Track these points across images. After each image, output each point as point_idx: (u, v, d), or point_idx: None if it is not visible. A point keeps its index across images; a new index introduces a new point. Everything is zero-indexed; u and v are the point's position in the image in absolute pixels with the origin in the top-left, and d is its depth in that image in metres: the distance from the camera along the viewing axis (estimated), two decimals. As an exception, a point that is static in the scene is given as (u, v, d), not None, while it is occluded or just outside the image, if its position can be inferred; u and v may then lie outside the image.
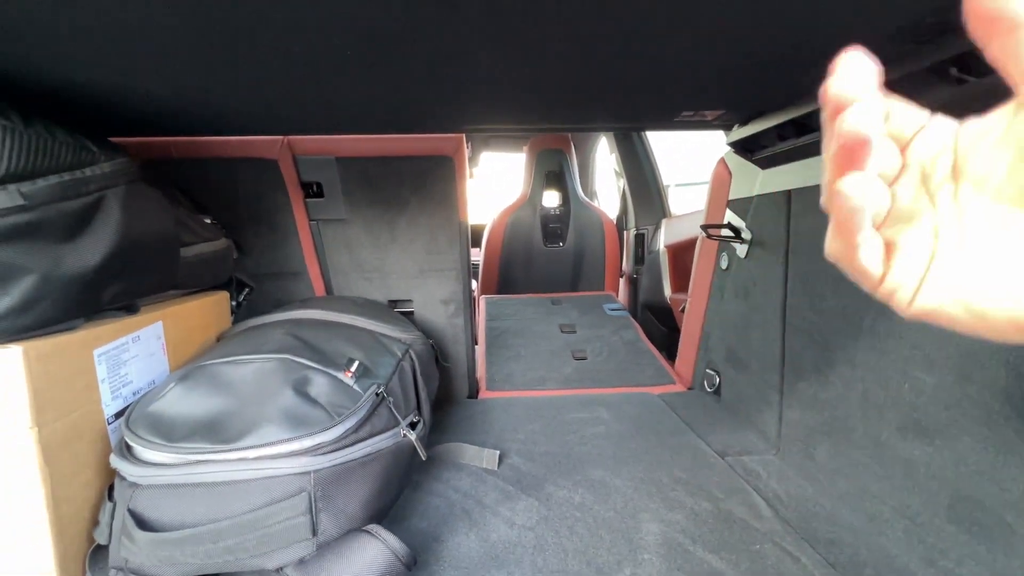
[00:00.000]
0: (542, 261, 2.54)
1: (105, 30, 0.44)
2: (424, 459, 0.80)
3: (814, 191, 0.89)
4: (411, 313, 1.22)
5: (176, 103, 0.73)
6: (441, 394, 1.19)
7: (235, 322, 1.02)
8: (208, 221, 0.92)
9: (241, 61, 0.56)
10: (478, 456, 0.96)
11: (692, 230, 2.08)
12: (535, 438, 1.07)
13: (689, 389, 1.37)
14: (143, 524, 0.57)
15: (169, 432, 0.61)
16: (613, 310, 2.01)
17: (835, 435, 0.82)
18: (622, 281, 2.62)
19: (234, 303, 1.03)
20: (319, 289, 1.16)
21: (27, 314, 0.55)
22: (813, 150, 0.85)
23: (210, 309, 0.94)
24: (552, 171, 2.53)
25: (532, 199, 2.51)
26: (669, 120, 0.92)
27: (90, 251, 0.61)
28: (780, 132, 0.88)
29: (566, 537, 0.73)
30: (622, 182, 2.59)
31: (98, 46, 0.48)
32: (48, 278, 0.56)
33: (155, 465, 0.60)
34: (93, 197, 0.61)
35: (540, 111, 0.87)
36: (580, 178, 2.69)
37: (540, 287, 2.51)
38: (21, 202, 0.52)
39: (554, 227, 2.52)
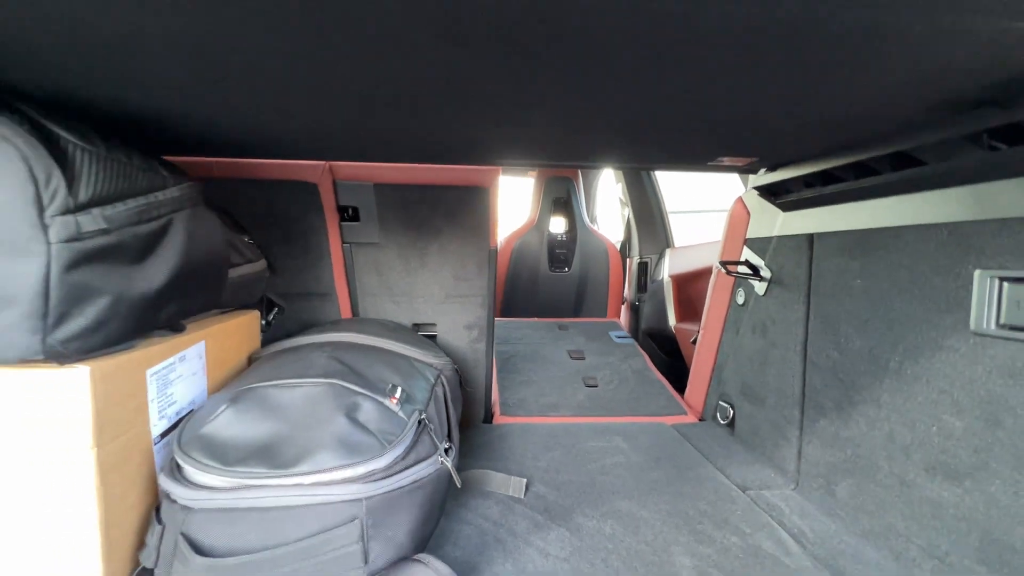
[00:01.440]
0: (547, 285, 2.57)
1: (172, 57, 0.46)
2: (459, 487, 0.80)
3: (837, 235, 0.93)
4: (434, 336, 1.23)
5: (227, 127, 0.75)
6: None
7: (263, 341, 1.02)
8: (248, 241, 0.93)
9: (299, 95, 0.58)
10: (505, 484, 0.96)
11: (697, 261, 2.13)
12: (556, 466, 1.07)
13: (701, 420, 1.39)
14: (199, 549, 0.57)
15: (223, 455, 0.62)
16: (620, 338, 2.04)
17: (858, 473, 0.85)
18: (623, 308, 2.66)
19: (263, 322, 1.03)
20: (346, 311, 1.17)
21: (96, 335, 0.56)
22: (839, 198, 0.90)
23: (243, 328, 0.95)
24: (560, 198, 2.58)
25: (539, 224, 2.55)
26: (702, 164, 0.97)
27: (156, 273, 0.62)
28: (807, 180, 0.93)
29: (601, 569, 0.74)
30: (627, 211, 2.65)
31: (162, 72, 0.50)
32: (119, 299, 0.57)
33: (208, 488, 0.60)
34: (163, 221, 0.62)
35: (578, 150, 0.91)
36: (585, 204, 2.75)
37: (544, 311, 2.53)
38: (103, 226, 0.54)
39: (560, 252, 2.56)
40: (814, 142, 0.79)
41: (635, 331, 2.51)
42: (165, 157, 0.77)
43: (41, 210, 0.49)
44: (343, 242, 1.13)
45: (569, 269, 2.57)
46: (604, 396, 1.53)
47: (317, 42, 0.43)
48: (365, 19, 0.39)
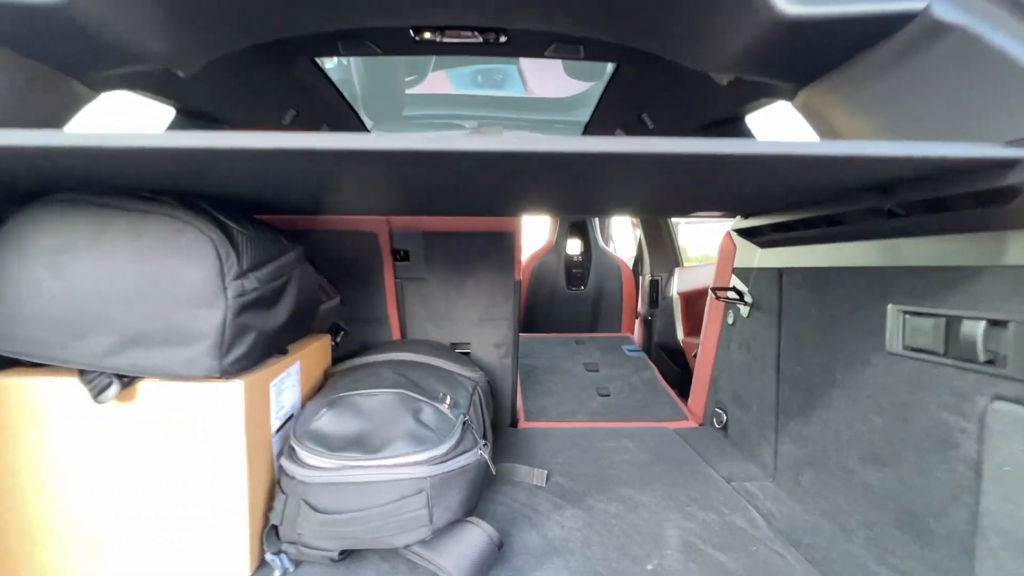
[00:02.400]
0: (565, 302, 2.79)
1: (308, 179, 0.71)
2: (494, 474, 1.03)
3: (799, 271, 1.14)
4: (468, 353, 1.47)
5: (324, 204, 1.00)
6: (491, 422, 1.42)
7: (333, 359, 1.27)
8: (326, 280, 1.19)
9: (382, 191, 0.83)
10: (529, 475, 1.19)
11: (702, 280, 2.32)
12: (573, 463, 1.29)
13: (700, 425, 1.59)
14: (316, 509, 0.81)
15: (328, 444, 0.86)
16: (632, 351, 2.24)
17: (816, 465, 1.05)
18: (637, 322, 2.86)
19: (333, 343, 1.28)
20: (396, 333, 1.42)
21: (247, 359, 0.81)
22: (799, 241, 1.11)
23: (320, 349, 1.20)
24: (576, 222, 2.81)
25: (557, 246, 2.78)
26: (688, 213, 1.19)
27: (281, 314, 0.87)
28: (774, 226, 1.14)
29: (606, 536, 0.96)
30: (638, 232, 2.86)
31: (298, 184, 0.75)
32: (261, 334, 0.82)
33: (319, 468, 0.84)
34: (286, 277, 0.88)
35: (588, 208, 1.14)
36: (599, 227, 2.96)
37: (563, 326, 2.75)
38: (256, 285, 0.79)
39: (576, 272, 2.79)
40: (774, 203, 1.00)
41: (648, 344, 2.70)
42: (263, 216, 1.04)
43: (223, 277, 0.75)
44: (396, 278, 1.38)
45: (585, 287, 2.79)
46: (615, 404, 1.74)
47: (397, 173, 0.67)
48: (435, 167, 0.63)
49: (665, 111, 1.86)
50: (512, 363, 1.49)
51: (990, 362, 0.69)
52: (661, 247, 2.70)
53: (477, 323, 1.44)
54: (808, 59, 0.81)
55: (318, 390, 1.10)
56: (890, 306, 0.86)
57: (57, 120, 0.92)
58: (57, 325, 0.73)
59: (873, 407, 0.89)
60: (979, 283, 0.71)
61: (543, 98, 2.01)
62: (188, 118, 1.61)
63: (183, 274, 0.73)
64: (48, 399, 0.78)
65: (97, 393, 0.75)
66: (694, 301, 2.29)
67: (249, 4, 0.88)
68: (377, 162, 0.62)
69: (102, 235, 0.73)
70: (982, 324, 0.69)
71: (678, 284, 2.46)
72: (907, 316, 0.82)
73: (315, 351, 1.15)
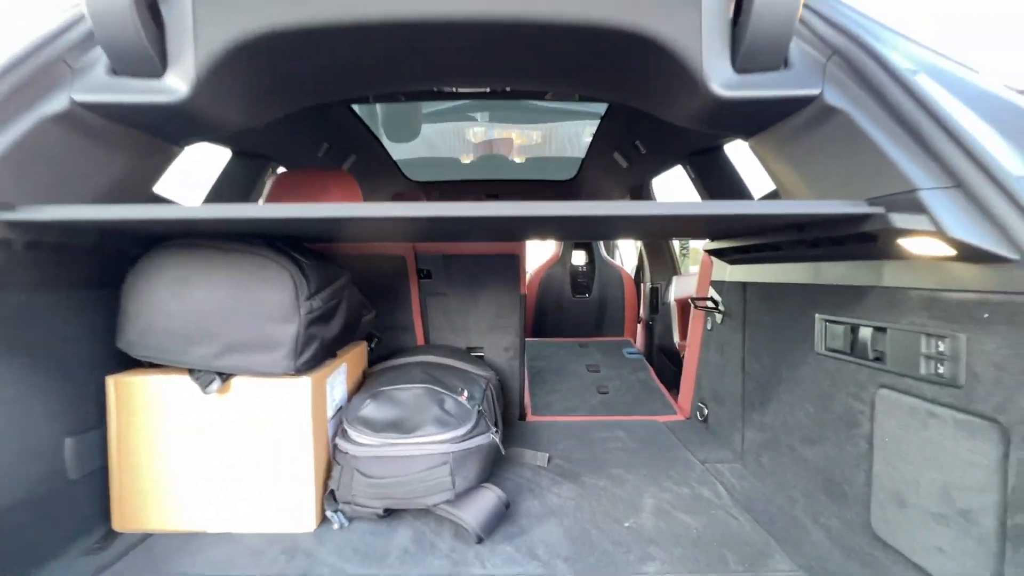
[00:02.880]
0: (571, 309, 3.01)
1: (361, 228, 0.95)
2: (504, 455, 1.26)
3: (758, 285, 1.35)
4: (482, 356, 1.70)
5: (359, 236, 1.25)
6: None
7: (370, 362, 1.52)
8: (365, 298, 1.44)
9: (409, 230, 1.07)
10: (533, 457, 1.42)
11: (695, 288, 2.52)
12: (571, 449, 1.52)
13: (687, 419, 1.80)
14: (364, 475, 1.06)
15: (373, 426, 1.10)
16: (631, 354, 2.46)
17: (772, 447, 1.26)
18: (639, 327, 3.06)
19: (369, 348, 1.53)
20: (420, 339, 1.67)
21: (312, 362, 1.06)
22: (756, 260, 1.32)
23: (360, 353, 1.45)
24: (580, 236, 3.03)
25: (563, 258, 3.01)
26: (668, 238, 1.41)
27: (335, 327, 1.12)
28: (735, 248, 1.36)
29: (594, 504, 1.18)
30: (639, 242, 3.07)
31: (348, 232, 0.99)
32: (322, 342, 1.07)
33: (364, 445, 1.08)
34: (339, 297, 1.13)
35: (585, 235, 1.38)
36: (602, 240, 3.19)
37: (569, 331, 2.97)
38: (320, 305, 1.04)
39: (581, 281, 3.01)
40: (731, 231, 1.23)
41: (650, 346, 2.90)
42: (317, 245, 1.29)
43: (297, 300, 1.00)
44: (420, 293, 1.63)
45: (589, 295, 3.01)
46: (613, 401, 1.96)
47: (426, 224, 0.92)
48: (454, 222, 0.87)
49: (654, 141, 2.09)
50: (519, 364, 1.73)
51: (877, 359, 0.90)
52: (660, 257, 2.91)
53: (488, 330, 1.68)
54: (743, 122, 1.03)
55: (359, 386, 1.35)
56: (816, 315, 1.07)
57: (156, 174, 1.18)
58: (177, 336, 0.99)
59: (807, 397, 1.11)
60: (868, 299, 0.92)
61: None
62: (243, 157, 1.89)
63: (269, 298, 0.99)
64: (165, 391, 1.04)
65: (204, 386, 1.01)
66: (687, 307, 2.50)
67: (315, 85, 1.14)
68: (411, 222, 0.87)
69: (209, 270, 0.99)
70: (870, 330, 0.91)
71: (675, 291, 2.66)
72: (827, 324, 1.04)
73: (356, 355, 1.40)
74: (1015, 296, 0.65)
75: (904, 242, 0.78)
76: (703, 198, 2.03)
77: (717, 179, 1.94)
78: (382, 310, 1.60)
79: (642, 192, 2.85)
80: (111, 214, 0.83)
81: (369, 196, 2.83)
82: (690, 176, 2.10)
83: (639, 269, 3.18)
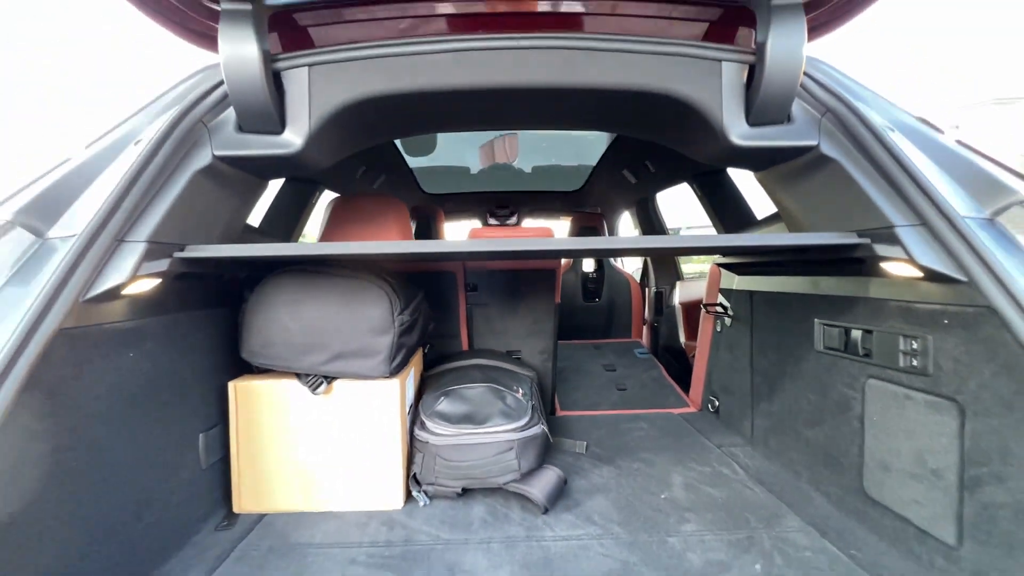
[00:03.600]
0: (582, 313, 3.23)
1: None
2: (551, 443, 1.48)
3: (764, 293, 1.58)
4: (520, 358, 1.92)
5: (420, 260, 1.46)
6: (538, 411, 1.87)
7: (425, 366, 1.72)
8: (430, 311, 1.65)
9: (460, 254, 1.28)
10: (573, 445, 1.64)
11: (698, 292, 2.76)
12: (602, 438, 1.74)
13: (699, 410, 2.03)
14: (445, 460, 1.26)
15: (449, 419, 1.31)
16: (642, 354, 2.69)
17: (778, 431, 1.49)
18: (644, 328, 3.29)
19: (424, 353, 1.74)
20: (465, 345, 1.88)
21: (400, 366, 1.27)
22: (761, 273, 1.56)
23: (418, 358, 1.65)
24: (590, 244, 3.26)
25: (575, 265, 3.23)
26: (678, 254, 1.64)
27: (416, 336, 1.33)
28: (744, 263, 1.59)
29: (632, 481, 1.40)
30: (644, 250, 3.30)
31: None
32: (408, 350, 1.28)
33: (443, 435, 1.29)
34: (418, 312, 1.33)
35: (603, 256, 1.60)
36: None
37: (581, 334, 3.19)
38: (407, 319, 1.25)
39: (591, 287, 3.23)
40: (744, 252, 1.46)
41: (655, 346, 3.13)
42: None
43: (392, 316, 1.20)
44: (467, 303, 1.84)
45: (599, 300, 3.23)
46: (631, 396, 2.19)
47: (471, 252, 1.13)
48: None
49: (664, 162, 2.32)
50: (552, 365, 1.94)
51: (866, 355, 1.13)
52: (664, 264, 3.15)
53: (526, 335, 1.89)
54: (753, 162, 1.26)
55: (418, 386, 1.55)
56: (816, 320, 1.30)
57: (251, 207, 1.37)
58: (293, 347, 1.19)
59: (808, 388, 1.34)
60: (858, 307, 1.15)
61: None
62: (295, 183, 2.09)
63: (370, 314, 1.19)
64: (278, 393, 1.24)
65: (313, 389, 1.21)
66: (692, 310, 2.73)
67: (390, 130, 1.35)
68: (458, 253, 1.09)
69: (319, 291, 1.19)
70: (860, 332, 1.14)
71: (679, 295, 2.89)
72: (824, 327, 1.27)
73: (416, 359, 1.60)
74: (965, 307, 0.88)
75: (885, 265, 1.01)
76: (709, 214, 2.26)
77: (721, 198, 2.18)
78: (435, 319, 1.80)
79: (647, 204, 3.09)
80: (263, 252, 1.03)
81: None
82: (696, 193, 2.33)
83: (644, 275, 3.41)
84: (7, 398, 0.71)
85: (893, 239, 0.95)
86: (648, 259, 3.22)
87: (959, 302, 0.90)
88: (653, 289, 3.17)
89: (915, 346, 1.00)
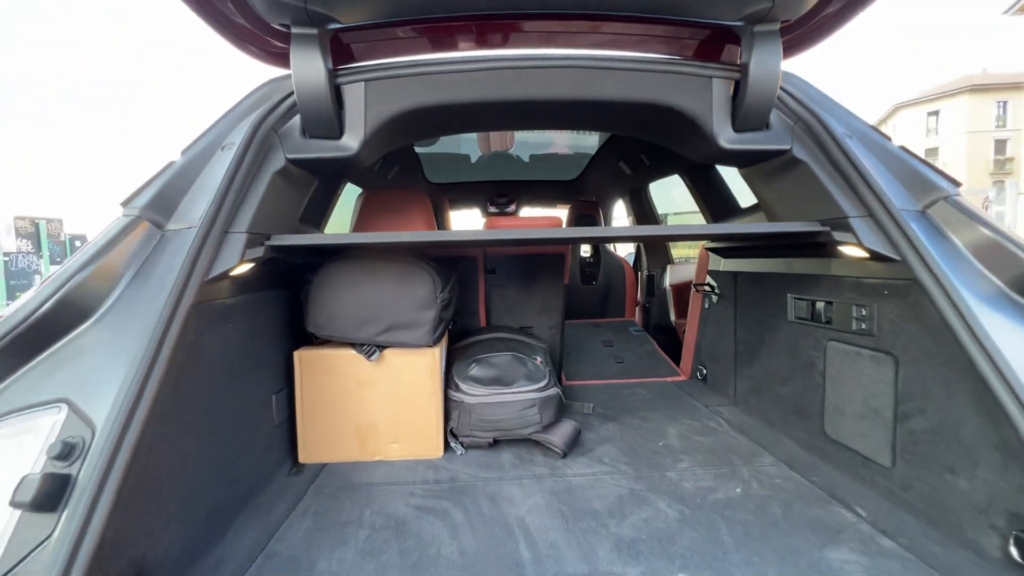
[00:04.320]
0: (581, 294, 3.47)
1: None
2: (564, 403, 1.72)
3: (746, 274, 1.83)
4: (531, 332, 2.15)
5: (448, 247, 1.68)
6: (548, 380, 2.11)
7: (450, 339, 1.94)
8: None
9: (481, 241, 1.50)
10: (582, 407, 1.88)
11: (687, 275, 3.01)
12: (605, 402, 1.99)
13: (688, 379, 2.29)
14: (478, 416, 1.50)
15: (480, 382, 1.54)
16: (635, 331, 2.94)
17: (757, 391, 1.75)
18: (638, 309, 3.55)
19: (448, 328, 1.96)
20: (483, 321, 2.11)
21: (439, 337, 1.49)
22: (743, 256, 1.80)
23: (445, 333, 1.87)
24: (587, 230, 3.48)
25: (573, 251, 3.45)
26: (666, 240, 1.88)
27: (451, 312, 1.55)
28: (728, 248, 1.83)
29: (634, 433, 1.65)
30: (637, 236, 3.54)
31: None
32: (446, 323, 1.50)
33: (477, 395, 1.52)
34: (454, 291, 1.55)
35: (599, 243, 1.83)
36: None
37: (580, 314, 3.43)
38: (446, 296, 1.47)
39: (589, 270, 3.47)
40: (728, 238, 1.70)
41: (647, 325, 3.39)
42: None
43: (435, 294, 1.42)
44: (485, 285, 2.06)
45: (596, 282, 3.47)
46: (628, 367, 2.44)
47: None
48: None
49: (658, 156, 2.54)
50: (560, 339, 2.18)
51: (827, 322, 1.38)
52: (655, 249, 3.39)
53: (538, 313, 2.12)
54: (738, 161, 1.49)
55: (447, 355, 1.78)
56: (788, 295, 1.55)
57: (305, 199, 1.56)
58: (352, 321, 1.40)
59: (782, 352, 1.59)
60: (822, 283, 1.40)
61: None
62: (325, 177, 2.26)
63: (418, 292, 1.41)
64: (339, 360, 1.46)
65: (368, 356, 1.43)
66: (682, 291, 2.99)
67: (425, 132, 1.55)
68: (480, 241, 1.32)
69: (374, 273, 1.41)
70: (823, 303, 1.39)
71: (670, 278, 3.14)
72: (795, 300, 1.52)
73: (446, 335, 1.82)
74: (899, 281, 1.13)
75: (841, 248, 1.25)
76: (698, 203, 2.50)
77: (709, 189, 2.41)
78: (458, 299, 2.02)
79: (640, 194, 3.32)
80: (331, 241, 1.24)
81: None
82: (687, 184, 2.56)
83: (637, 259, 3.65)
84: (164, 360, 0.91)
85: (847, 227, 1.19)
86: (641, 245, 3.46)
87: (895, 277, 1.15)
88: (645, 272, 3.41)
89: (863, 313, 1.25)
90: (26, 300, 0.91)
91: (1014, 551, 0.89)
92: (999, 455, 0.93)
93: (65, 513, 0.73)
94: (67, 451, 0.77)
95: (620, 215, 4.03)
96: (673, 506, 1.19)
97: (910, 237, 1.08)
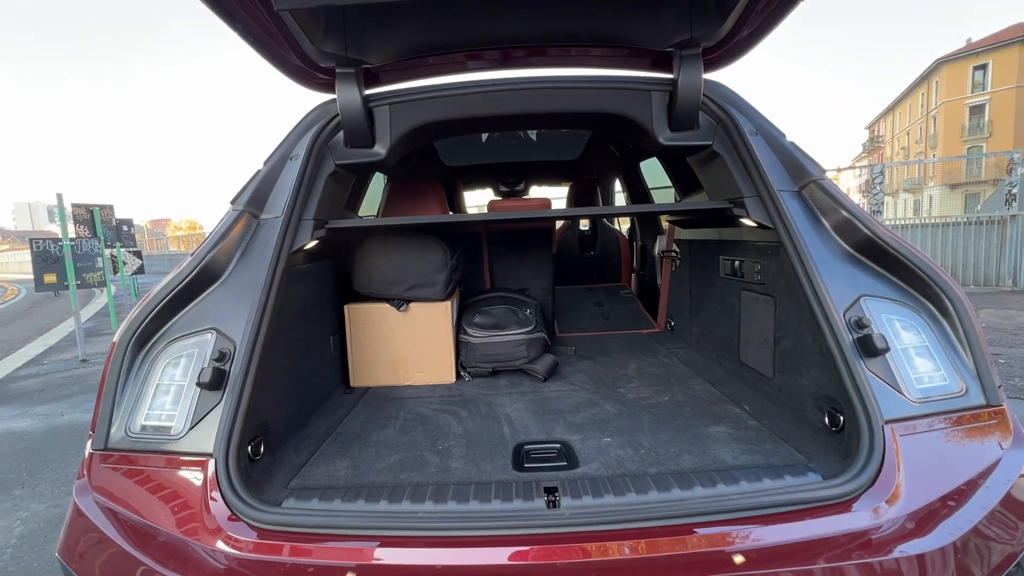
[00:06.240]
0: (580, 263, 3.92)
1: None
2: (550, 345, 2.21)
3: (697, 242, 2.25)
4: (527, 293, 2.63)
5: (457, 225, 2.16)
6: (542, 331, 2.60)
7: (461, 297, 2.44)
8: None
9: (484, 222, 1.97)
10: (566, 349, 2.38)
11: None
12: (587, 347, 2.47)
13: (662, 330, 2.75)
14: (481, 352, 2.00)
15: (482, 327, 2.04)
16: (625, 294, 3.39)
17: (703, 334, 2.20)
18: (633, 276, 3.98)
19: (460, 291, 2.46)
20: (487, 284, 2.60)
21: (450, 293, 1.99)
22: (693, 227, 2.22)
23: (458, 292, 2.37)
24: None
25: (573, 225, 3.89)
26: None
27: (459, 275, 2.05)
28: (683, 220, 2.25)
29: (603, 367, 2.14)
30: (632, 210, 3.93)
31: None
32: (455, 283, 2.00)
33: (480, 337, 2.03)
34: (460, 259, 2.04)
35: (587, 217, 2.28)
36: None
37: (579, 280, 3.88)
38: (455, 263, 1.96)
39: (587, 242, 3.91)
40: (682, 214, 2.12)
41: (641, 290, 3.82)
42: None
43: (446, 260, 1.92)
44: (488, 255, 2.55)
45: (594, 252, 3.91)
46: (612, 322, 2.91)
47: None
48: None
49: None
50: (551, 299, 2.66)
51: (741, 276, 1.82)
52: (648, 222, 3.79)
53: (531, 277, 2.61)
54: (677, 154, 1.90)
55: (459, 309, 2.28)
56: (720, 257, 1.98)
57: (347, 191, 2.06)
58: (386, 282, 1.92)
59: (716, 302, 2.03)
60: (738, 247, 1.83)
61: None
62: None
63: (433, 260, 1.91)
64: (377, 311, 1.98)
65: (398, 307, 1.94)
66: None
67: (434, 136, 2.02)
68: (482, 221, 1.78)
69: (400, 246, 1.91)
70: (739, 262, 1.82)
71: (659, 247, 3.56)
72: (724, 260, 1.95)
73: (457, 293, 2.33)
74: (773, 243, 1.56)
75: (742, 220, 1.67)
76: (671, 181, 2.90)
77: (677, 171, 2.80)
78: (466, 267, 2.52)
79: (633, 172, 3.71)
80: (369, 223, 1.74)
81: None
82: (663, 165, 2.96)
83: (632, 231, 4.06)
84: (270, 305, 1.42)
85: (743, 204, 1.62)
86: (635, 218, 3.87)
87: (773, 240, 1.58)
88: (639, 243, 3.83)
89: (758, 267, 1.68)
90: (179, 271, 1.44)
91: (826, 420, 1.35)
92: (819, 359, 1.37)
93: (226, 391, 1.26)
94: (222, 357, 1.30)
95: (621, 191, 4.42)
96: (615, 407, 1.68)
97: (780, 211, 1.51)
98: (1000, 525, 1.01)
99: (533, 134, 3.62)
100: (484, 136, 3.53)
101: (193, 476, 1.14)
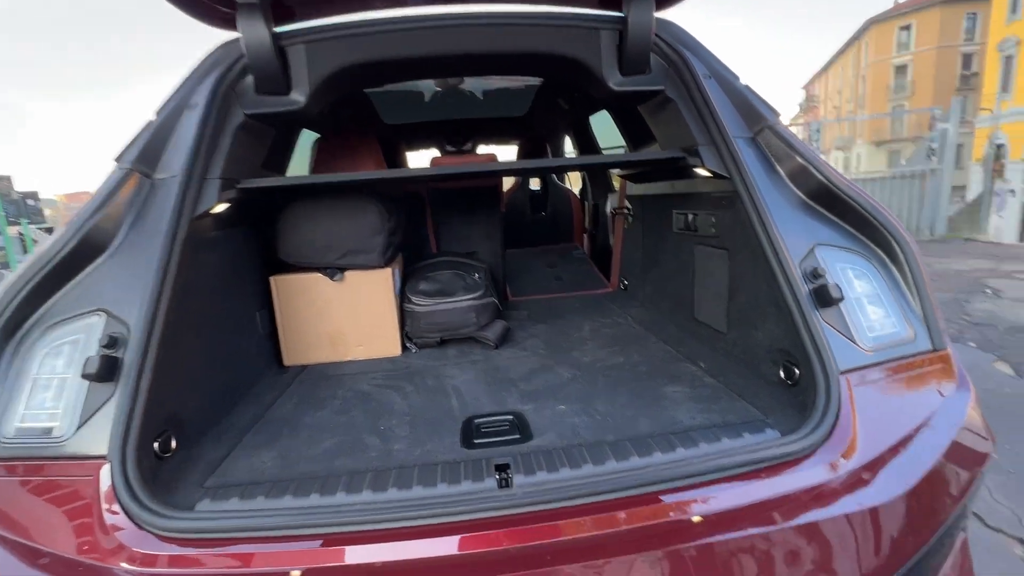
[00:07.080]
0: (531, 224, 3.81)
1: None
2: (501, 310, 2.10)
3: (648, 196, 2.18)
4: (476, 256, 2.50)
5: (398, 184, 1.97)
6: (493, 296, 2.49)
7: (406, 263, 2.27)
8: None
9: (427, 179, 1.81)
10: (519, 316, 2.28)
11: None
12: (540, 310, 2.38)
13: (615, 290, 2.70)
14: (427, 321, 1.87)
15: (426, 295, 1.90)
16: (578, 255, 3.32)
17: (656, 292, 2.16)
18: (585, 236, 3.91)
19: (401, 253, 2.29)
20: (434, 248, 2.44)
21: (391, 258, 1.83)
22: (645, 181, 2.14)
23: (401, 258, 2.20)
24: (535, 165, 3.75)
25: (523, 184, 3.75)
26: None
27: (399, 237, 1.88)
28: (634, 174, 2.16)
29: (557, 329, 2.06)
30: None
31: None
32: (395, 247, 1.84)
33: (425, 305, 1.89)
34: (400, 220, 1.87)
35: (536, 175, 2.14)
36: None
37: (530, 241, 3.77)
38: (393, 225, 1.79)
39: (538, 202, 3.78)
40: (633, 167, 2.03)
41: (593, 249, 3.77)
42: None
43: (383, 223, 1.74)
44: (432, 219, 2.38)
45: (545, 212, 3.80)
46: (565, 284, 2.84)
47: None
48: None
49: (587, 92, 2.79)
50: (501, 262, 2.54)
51: (695, 231, 1.76)
52: (599, 180, 3.70)
53: (480, 239, 2.47)
54: (630, 101, 1.78)
55: (404, 276, 2.13)
56: (673, 211, 1.91)
57: (265, 147, 1.82)
58: (316, 249, 1.72)
59: (670, 258, 1.98)
60: (692, 200, 1.76)
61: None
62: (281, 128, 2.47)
63: (368, 222, 1.73)
64: (308, 282, 1.79)
65: (332, 277, 1.76)
66: (619, 217, 3.34)
67: (362, 83, 1.79)
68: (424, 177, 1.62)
69: (331, 209, 1.71)
70: (692, 215, 1.76)
71: (610, 205, 3.49)
72: (677, 215, 1.89)
73: (400, 258, 2.16)
74: (728, 193, 1.50)
75: (696, 169, 1.60)
76: (621, 134, 2.79)
77: (627, 122, 2.70)
78: (409, 231, 2.34)
79: (583, 128, 3.57)
80: (290, 182, 1.53)
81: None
82: (613, 118, 2.84)
83: (583, 190, 3.97)
84: (170, 280, 1.21)
85: (697, 153, 1.53)
86: (586, 176, 3.77)
87: (728, 190, 1.51)
88: (591, 202, 3.74)
89: (712, 220, 1.62)
90: (54, 241, 1.20)
91: (781, 373, 1.32)
92: (775, 310, 1.34)
93: (120, 382, 1.07)
94: (112, 342, 1.10)
95: (572, 148, 4.28)
96: (569, 371, 1.61)
97: (735, 158, 1.43)
98: (950, 468, 1.02)
99: (479, 92, 3.40)
100: (428, 94, 3.28)
101: (85, 483, 0.97)
